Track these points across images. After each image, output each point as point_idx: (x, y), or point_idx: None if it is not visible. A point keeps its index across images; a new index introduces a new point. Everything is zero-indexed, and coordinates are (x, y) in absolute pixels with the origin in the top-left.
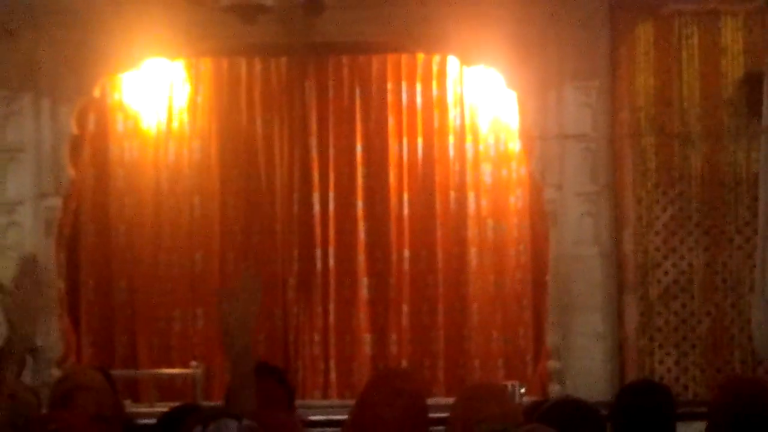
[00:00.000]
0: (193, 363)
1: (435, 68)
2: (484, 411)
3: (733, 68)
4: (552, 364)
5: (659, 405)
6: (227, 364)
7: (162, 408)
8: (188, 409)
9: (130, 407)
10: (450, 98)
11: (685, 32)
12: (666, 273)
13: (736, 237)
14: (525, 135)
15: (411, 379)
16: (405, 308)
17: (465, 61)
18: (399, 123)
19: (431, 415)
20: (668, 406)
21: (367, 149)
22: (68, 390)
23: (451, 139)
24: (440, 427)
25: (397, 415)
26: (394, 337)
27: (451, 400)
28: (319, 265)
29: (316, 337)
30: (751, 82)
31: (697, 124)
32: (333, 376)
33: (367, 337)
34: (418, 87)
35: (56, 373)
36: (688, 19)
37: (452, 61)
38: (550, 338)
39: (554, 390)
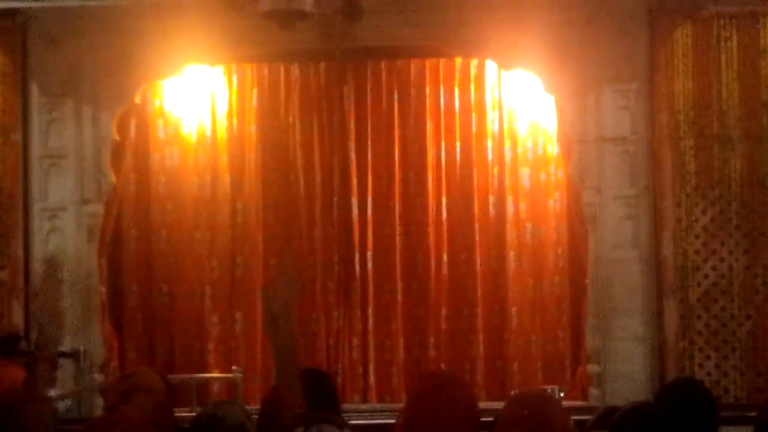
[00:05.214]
0: (234, 368)
1: (473, 72)
2: (527, 418)
3: None
4: (592, 367)
5: (700, 400)
6: (271, 355)
7: None
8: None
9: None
10: (488, 102)
11: (724, 34)
12: (706, 276)
13: None
14: (563, 138)
15: (464, 386)
16: (444, 312)
17: (503, 65)
18: (437, 127)
19: None
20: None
21: (405, 153)
22: (128, 389)
23: (489, 143)
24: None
25: (455, 425)
26: (432, 340)
27: (490, 404)
28: (358, 269)
29: (356, 341)
30: None
31: (736, 126)
32: (372, 379)
33: (405, 341)
34: (456, 91)
35: (99, 377)
36: (727, 22)
37: (490, 66)
38: (590, 342)
39: (594, 394)
